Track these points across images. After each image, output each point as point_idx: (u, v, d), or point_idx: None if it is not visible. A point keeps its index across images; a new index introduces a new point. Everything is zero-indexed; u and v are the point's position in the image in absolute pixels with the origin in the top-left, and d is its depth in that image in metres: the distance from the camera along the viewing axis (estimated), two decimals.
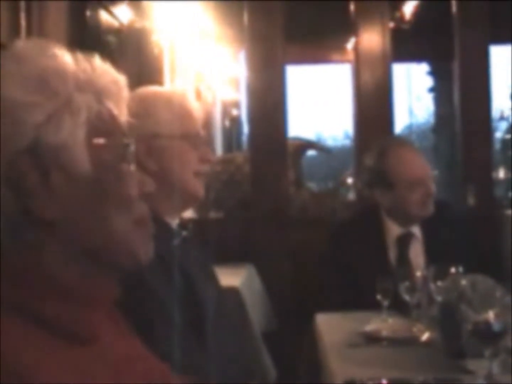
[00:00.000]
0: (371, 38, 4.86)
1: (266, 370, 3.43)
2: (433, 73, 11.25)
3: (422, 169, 2.95)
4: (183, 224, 2.03)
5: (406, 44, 6.75)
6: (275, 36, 4.60)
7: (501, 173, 9.67)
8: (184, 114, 2.01)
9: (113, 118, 1.10)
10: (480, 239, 3.24)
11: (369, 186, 3.09)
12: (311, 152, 6.45)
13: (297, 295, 3.88)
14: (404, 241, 2.94)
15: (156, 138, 1.95)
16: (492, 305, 1.84)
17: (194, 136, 1.99)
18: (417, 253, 2.90)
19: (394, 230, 2.94)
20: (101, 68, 1.11)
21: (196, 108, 2.06)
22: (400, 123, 15.44)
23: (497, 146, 12.07)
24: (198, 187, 2.01)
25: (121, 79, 1.15)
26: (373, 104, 4.93)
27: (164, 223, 1.95)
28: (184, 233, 1.99)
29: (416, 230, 2.94)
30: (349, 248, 2.94)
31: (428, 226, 2.92)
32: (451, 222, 2.94)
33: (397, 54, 5.18)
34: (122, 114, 1.14)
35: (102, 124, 1.07)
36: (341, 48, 7.19)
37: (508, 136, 12.28)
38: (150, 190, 1.14)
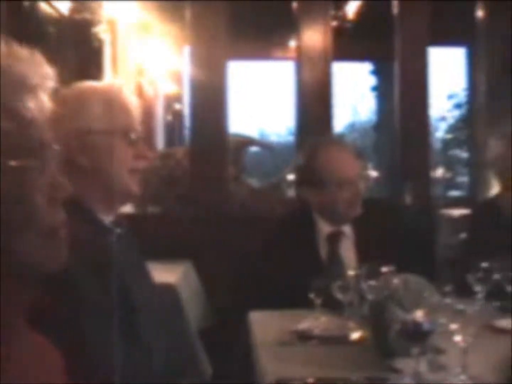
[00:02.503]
0: (313, 36, 4.89)
1: (201, 367, 3.43)
2: (376, 72, 11.35)
3: (352, 168, 2.96)
4: (118, 221, 2.01)
5: (349, 43, 6.81)
6: (218, 32, 4.59)
7: (441, 172, 9.82)
8: (118, 109, 1.98)
9: (25, 115, 1.01)
10: (415, 237, 3.27)
11: (300, 184, 3.11)
12: (255, 148, 6.46)
13: (234, 292, 3.88)
14: (334, 239, 2.96)
15: (90, 134, 1.93)
16: (422, 305, 1.87)
17: (129, 132, 1.97)
18: (348, 251, 2.92)
19: (324, 228, 2.96)
20: (25, 58, 1.05)
21: (132, 104, 2.04)
22: (343, 121, 15.53)
23: (438, 145, 12.28)
24: (133, 184, 1.99)
25: (48, 71, 1.09)
26: (314, 102, 4.96)
27: (97, 221, 1.93)
28: (118, 230, 1.97)
29: (346, 228, 2.96)
30: (281, 246, 2.95)
31: (359, 224, 2.94)
32: (383, 220, 2.96)
33: (340, 53, 5.21)
34: (44, 109, 1.06)
35: (9, 123, 0.99)
36: (284, 45, 7.22)
37: (448, 136, 12.50)
38: (65, 196, 1.06)
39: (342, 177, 2.90)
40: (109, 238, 1.91)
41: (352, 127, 16.25)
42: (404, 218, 3.43)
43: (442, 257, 3.39)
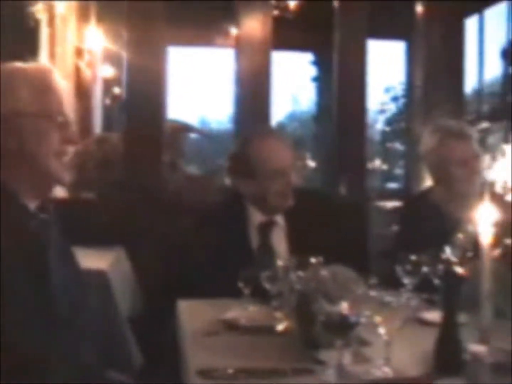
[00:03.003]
0: (253, 25, 4.88)
1: (131, 356, 3.39)
2: (317, 63, 11.38)
3: (284, 159, 2.94)
4: (44, 206, 1.96)
5: (291, 33, 6.82)
6: (156, 16, 4.52)
7: (378, 164, 9.95)
8: (46, 92, 1.93)
9: None
10: (347, 229, 3.29)
11: (232, 173, 3.09)
12: (195, 135, 6.41)
13: (165, 280, 3.84)
14: (266, 228, 2.95)
15: (17, 116, 1.87)
16: (348, 297, 1.87)
17: (57, 116, 1.92)
18: (279, 241, 2.91)
19: (256, 217, 2.94)
20: None
21: (61, 86, 1.98)
22: (284, 110, 15.57)
23: (377, 137, 12.39)
24: (60, 169, 1.94)
25: None
26: (253, 90, 4.95)
27: (20, 205, 1.88)
28: (42, 215, 1.92)
29: (279, 218, 2.96)
30: (212, 235, 2.93)
31: (292, 214, 2.93)
32: (316, 211, 2.96)
33: (281, 42, 5.21)
34: None
35: None
36: (226, 33, 7.17)
37: (386, 129, 12.63)
38: None
39: (274, 168, 2.88)
40: (32, 223, 1.86)
41: (292, 116, 16.30)
42: (337, 209, 3.44)
43: (374, 249, 3.42)
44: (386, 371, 1.80)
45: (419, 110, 5.31)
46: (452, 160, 2.94)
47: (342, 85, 5.23)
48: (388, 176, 11.09)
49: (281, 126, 13.25)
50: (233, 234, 2.90)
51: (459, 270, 1.80)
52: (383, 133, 12.66)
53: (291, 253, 2.73)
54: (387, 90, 12.30)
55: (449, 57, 5.29)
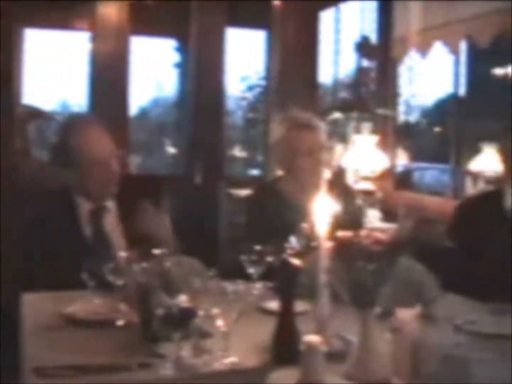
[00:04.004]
0: (109, 9, 4.79)
1: None
2: (179, 49, 11.32)
3: (104, 148, 2.89)
4: None
5: (154, 19, 6.74)
6: None
7: (238, 151, 10.00)
8: None
9: None
10: (198, 217, 3.28)
11: (55, 162, 3.03)
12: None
13: (8, 272, 3.71)
14: (96, 215, 2.90)
15: None
16: (188, 289, 1.87)
17: None
18: (113, 227, 2.88)
19: (85, 205, 2.90)
20: None
21: None
22: (147, 96, 15.40)
23: (240, 124, 12.47)
24: None
25: None
26: (109, 75, 4.87)
27: None
28: None
29: (110, 203, 2.92)
30: (48, 224, 2.85)
31: (124, 200, 2.90)
32: (165, 197, 2.93)
33: (144, 28, 5.15)
34: None
35: None
36: (84, 16, 7.01)
37: (249, 115, 12.72)
38: None
39: (94, 158, 2.84)
40: None
41: (156, 102, 16.17)
42: (190, 196, 3.44)
43: (225, 238, 3.43)
44: (225, 363, 1.81)
45: (274, 100, 5.39)
46: (299, 151, 2.98)
47: (200, 72, 5.23)
48: (250, 163, 11.18)
49: (144, 112, 13.10)
50: (65, 223, 2.84)
51: (295, 260, 1.83)
52: (245, 120, 12.75)
53: (127, 239, 2.71)
54: (243, 79, 12.37)
55: (304, 49, 5.39)
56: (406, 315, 1.73)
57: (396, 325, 1.71)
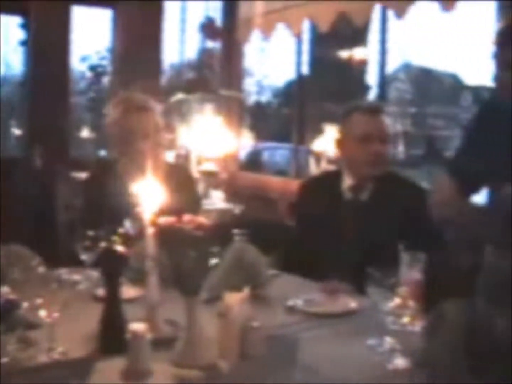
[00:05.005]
0: None
1: None
2: (24, 26, 10.92)
3: None
4: None
5: None
6: None
7: (86, 133, 9.81)
8: None
9: None
10: (40, 200, 3.17)
11: None
12: None
13: None
14: None
15: None
16: (11, 279, 1.80)
17: None
18: None
19: None
20: None
21: None
22: None
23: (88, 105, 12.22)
24: None
25: None
26: None
27: None
28: None
29: None
30: None
31: None
32: None
33: None
34: None
35: None
36: None
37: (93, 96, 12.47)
38: None
39: None
40: None
41: (4, 80, 15.56)
42: (29, 180, 3.32)
43: (63, 223, 3.33)
44: (51, 356, 1.75)
45: (117, 81, 5.29)
46: (134, 133, 2.93)
47: (43, 50, 5.07)
48: (99, 144, 10.98)
49: None
50: None
51: (119, 247, 1.79)
52: (91, 100, 12.49)
53: None
54: (83, 59, 12.06)
55: (149, 28, 5.33)
56: (234, 298, 1.73)
57: (223, 309, 1.71)
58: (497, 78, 2.49)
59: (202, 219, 1.56)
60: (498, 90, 2.56)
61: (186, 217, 1.56)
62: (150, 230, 1.74)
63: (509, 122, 2.54)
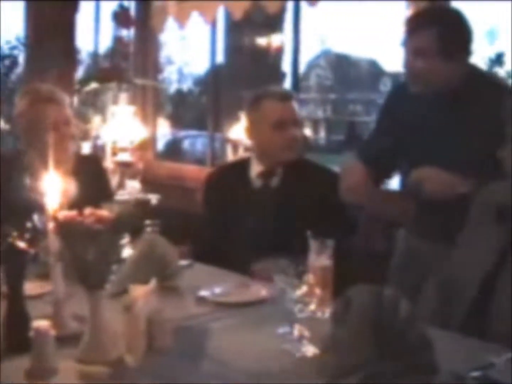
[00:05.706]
0: None
1: None
2: None
3: None
4: None
5: None
6: None
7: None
8: None
9: None
10: None
11: None
12: None
13: None
14: None
15: None
16: None
17: None
18: None
19: None
20: None
21: None
22: None
23: None
24: None
25: None
26: None
27: None
28: None
29: None
30: None
31: None
32: None
33: None
34: None
35: None
36: None
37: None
38: None
39: None
40: None
41: None
42: None
43: None
44: None
45: (28, 71, 5.18)
46: (41, 125, 2.87)
47: None
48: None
49: None
50: None
51: (20, 244, 1.75)
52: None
53: None
54: None
55: (62, 17, 5.23)
56: (139, 291, 1.72)
57: (128, 303, 1.69)
58: (406, 64, 2.55)
59: (103, 213, 1.53)
60: (406, 76, 2.61)
61: (87, 211, 1.54)
62: (51, 225, 1.71)
63: (416, 107, 2.60)
